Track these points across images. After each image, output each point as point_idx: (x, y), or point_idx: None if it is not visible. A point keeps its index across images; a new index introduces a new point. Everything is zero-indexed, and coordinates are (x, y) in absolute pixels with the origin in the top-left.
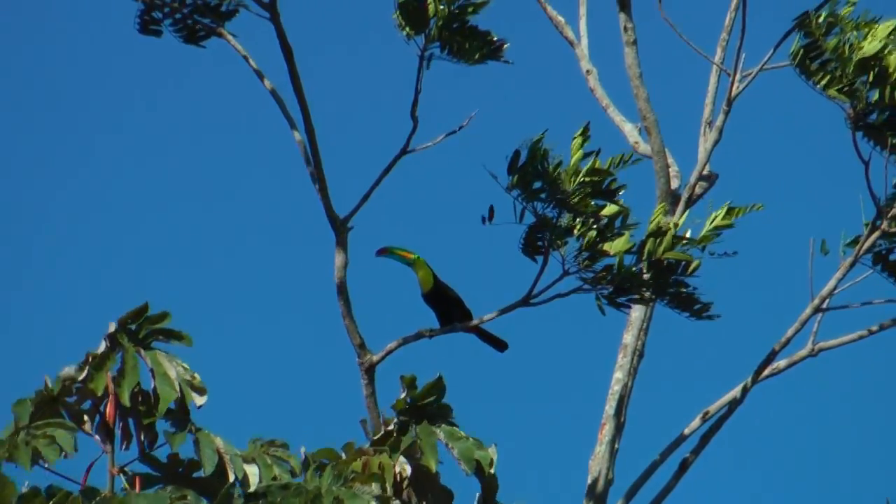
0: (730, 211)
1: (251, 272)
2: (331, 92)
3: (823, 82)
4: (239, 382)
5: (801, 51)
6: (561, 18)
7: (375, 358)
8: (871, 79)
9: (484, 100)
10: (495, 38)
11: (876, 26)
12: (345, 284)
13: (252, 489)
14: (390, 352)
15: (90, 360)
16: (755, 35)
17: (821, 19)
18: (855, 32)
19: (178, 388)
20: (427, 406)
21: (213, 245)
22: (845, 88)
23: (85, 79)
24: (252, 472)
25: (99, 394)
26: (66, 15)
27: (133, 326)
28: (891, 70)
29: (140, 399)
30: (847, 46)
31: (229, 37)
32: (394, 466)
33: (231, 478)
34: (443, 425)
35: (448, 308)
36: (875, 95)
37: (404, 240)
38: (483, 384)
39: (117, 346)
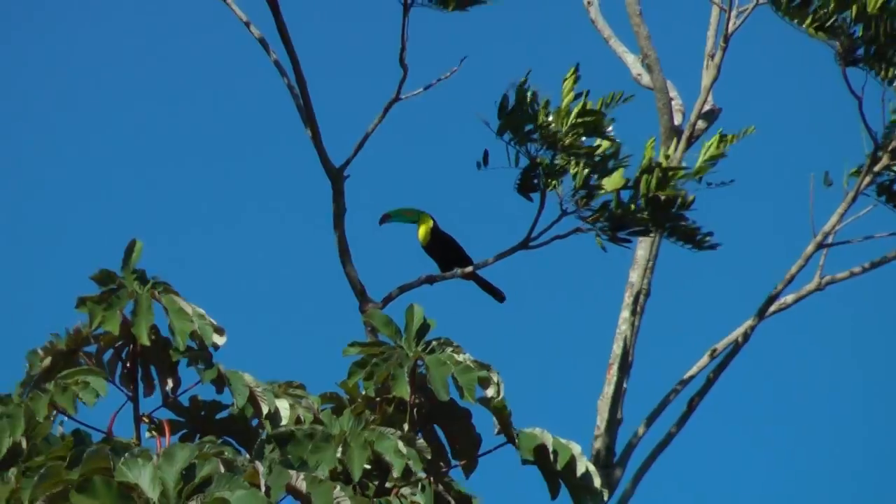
0: (722, 139)
1: (249, 225)
2: (318, 43)
3: (806, 22)
4: (243, 333)
5: None
6: None
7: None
8: (853, 15)
9: (482, 42)
10: None
11: None
12: (343, 233)
13: (285, 422)
14: (392, 298)
15: (93, 301)
16: None
17: None
18: None
19: (195, 323)
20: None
21: (210, 200)
22: (827, 26)
23: (63, 32)
24: (283, 406)
25: (116, 333)
26: None
27: (136, 268)
28: (870, 6)
29: (160, 343)
30: None
31: None
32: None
33: (265, 411)
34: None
35: (448, 254)
36: (860, 31)
37: (400, 188)
38: (486, 331)
39: (119, 288)
